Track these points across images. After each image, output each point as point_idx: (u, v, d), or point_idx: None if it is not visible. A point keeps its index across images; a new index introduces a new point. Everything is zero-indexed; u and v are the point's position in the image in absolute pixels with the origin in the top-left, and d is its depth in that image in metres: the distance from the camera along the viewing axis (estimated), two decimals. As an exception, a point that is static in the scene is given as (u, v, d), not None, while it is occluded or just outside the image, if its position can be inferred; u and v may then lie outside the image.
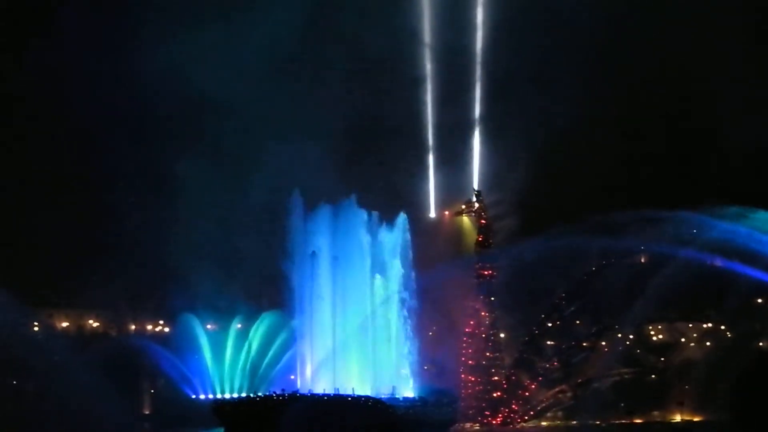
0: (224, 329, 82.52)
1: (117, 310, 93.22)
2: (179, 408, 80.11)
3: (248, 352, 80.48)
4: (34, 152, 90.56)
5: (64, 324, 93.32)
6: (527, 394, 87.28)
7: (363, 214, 71.93)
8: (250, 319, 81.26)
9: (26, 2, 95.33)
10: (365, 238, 71.58)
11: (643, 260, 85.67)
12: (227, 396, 78.07)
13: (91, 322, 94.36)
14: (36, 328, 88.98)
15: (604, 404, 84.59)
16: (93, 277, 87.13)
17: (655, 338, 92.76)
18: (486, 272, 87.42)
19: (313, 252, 70.03)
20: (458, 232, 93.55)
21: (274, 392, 66.78)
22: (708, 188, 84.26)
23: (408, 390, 71.37)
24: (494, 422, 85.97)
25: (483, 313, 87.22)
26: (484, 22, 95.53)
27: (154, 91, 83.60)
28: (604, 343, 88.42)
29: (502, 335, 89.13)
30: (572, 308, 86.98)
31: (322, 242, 70.95)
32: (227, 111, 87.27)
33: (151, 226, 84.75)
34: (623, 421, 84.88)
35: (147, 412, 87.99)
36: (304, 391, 67.25)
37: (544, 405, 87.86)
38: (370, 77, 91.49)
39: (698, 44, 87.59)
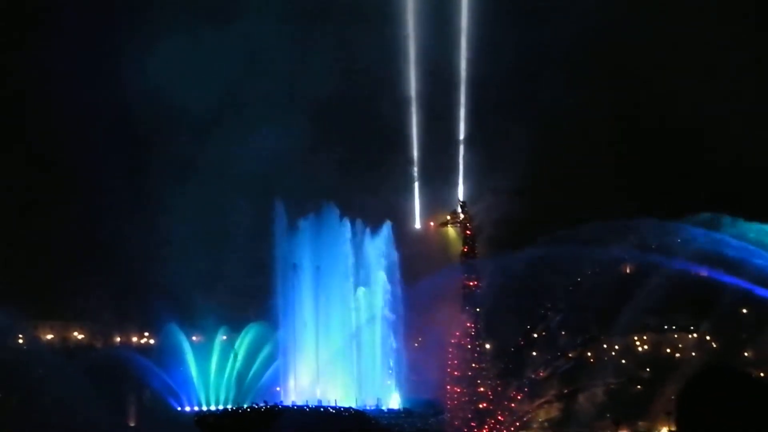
0: (209, 341, 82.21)
1: (102, 322, 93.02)
2: (165, 420, 79.71)
3: (233, 363, 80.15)
4: (27, 156, 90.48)
5: (49, 336, 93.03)
6: (513, 405, 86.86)
7: (346, 224, 71.70)
8: (235, 331, 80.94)
9: (26, 2, 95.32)
10: (349, 248, 71.30)
11: (628, 270, 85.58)
12: (212, 408, 77.69)
13: (76, 333, 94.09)
14: (21, 340, 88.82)
15: (590, 415, 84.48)
16: (78, 288, 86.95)
17: (640, 348, 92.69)
18: (471, 283, 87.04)
19: (294, 264, 69.85)
20: (443, 243, 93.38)
21: (256, 404, 66.50)
22: (703, 196, 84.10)
23: (393, 401, 71.04)
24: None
25: (468, 324, 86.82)
26: (470, 29, 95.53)
27: (144, 102, 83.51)
28: (590, 354, 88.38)
29: (487, 346, 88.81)
30: (558, 319, 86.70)
31: (304, 253, 70.68)
32: (212, 122, 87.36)
33: (137, 238, 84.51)
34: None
35: (132, 424, 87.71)
36: (287, 403, 66.98)
37: (530, 416, 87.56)
38: (354, 88, 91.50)
39: (696, 42, 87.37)
